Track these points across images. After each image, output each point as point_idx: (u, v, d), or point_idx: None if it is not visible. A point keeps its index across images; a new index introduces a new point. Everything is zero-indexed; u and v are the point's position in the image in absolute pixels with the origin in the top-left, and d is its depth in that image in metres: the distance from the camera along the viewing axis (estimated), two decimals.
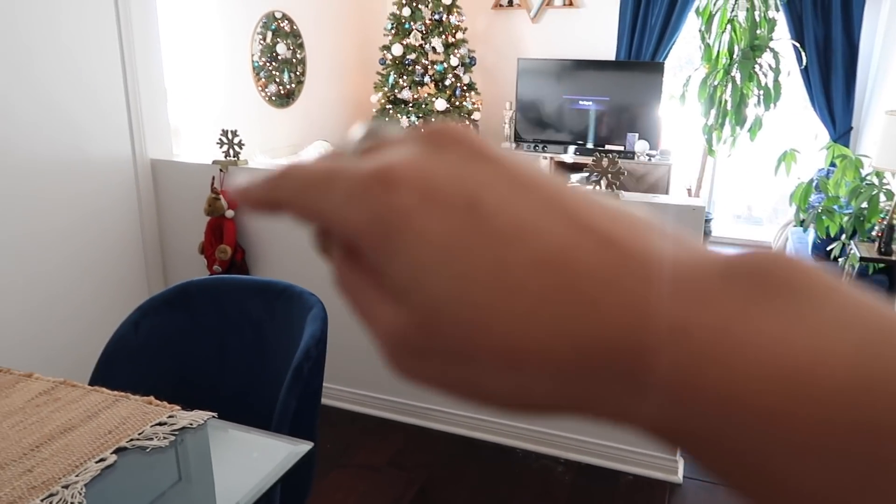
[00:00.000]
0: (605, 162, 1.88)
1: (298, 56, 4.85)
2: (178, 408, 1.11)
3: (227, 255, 2.43)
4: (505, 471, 2.25)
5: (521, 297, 0.18)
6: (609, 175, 1.88)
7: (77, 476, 0.94)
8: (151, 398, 1.13)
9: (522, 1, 5.52)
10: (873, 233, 3.02)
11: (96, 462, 0.97)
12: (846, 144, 4.95)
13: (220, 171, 2.49)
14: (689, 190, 5.36)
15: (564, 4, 5.40)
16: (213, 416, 1.09)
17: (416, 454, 2.33)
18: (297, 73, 4.87)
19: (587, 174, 1.92)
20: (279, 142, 4.69)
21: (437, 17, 5.05)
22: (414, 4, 5.08)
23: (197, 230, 2.51)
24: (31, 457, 0.98)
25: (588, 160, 5.48)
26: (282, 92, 4.73)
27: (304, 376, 1.32)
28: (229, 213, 2.47)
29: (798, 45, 4.74)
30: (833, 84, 4.85)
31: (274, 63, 4.65)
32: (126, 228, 2.52)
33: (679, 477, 2.17)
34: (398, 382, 2.39)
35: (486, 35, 5.71)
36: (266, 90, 4.57)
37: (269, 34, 4.56)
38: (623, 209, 0.20)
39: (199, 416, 1.09)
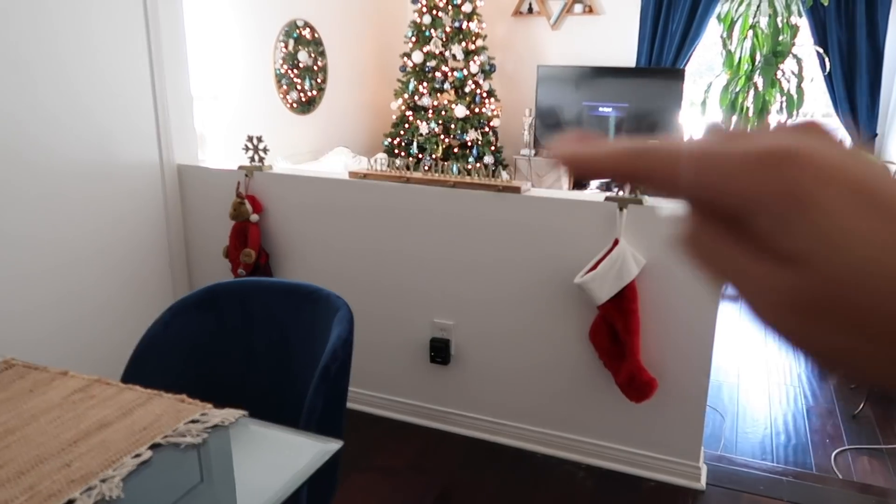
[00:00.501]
0: None
1: (320, 63, 4.91)
2: (210, 406, 1.13)
3: (252, 258, 2.47)
4: (525, 475, 2.25)
5: None
6: None
7: (114, 471, 0.96)
8: (184, 396, 1.15)
9: (542, 8, 5.54)
10: None
11: (132, 457, 0.99)
12: (871, 151, 4.90)
13: (246, 176, 2.52)
14: None
15: (584, 11, 5.42)
16: (245, 415, 1.11)
17: (437, 458, 2.34)
18: (318, 81, 4.92)
19: (609, 179, 1.93)
20: (300, 147, 4.74)
21: (457, 24, 5.08)
22: (434, 12, 5.11)
23: (222, 234, 2.55)
24: (70, 452, 1.00)
25: None
26: (303, 99, 4.78)
27: (331, 377, 1.34)
28: (254, 218, 2.50)
29: (822, 51, 4.71)
30: (857, 90, 4.81)
31: (295, 70, 4.70)
32: (152, 232, 2.57)
33: (702, 484, 2.16)
34: (419, 387, 2.41)
35: (506, 42, 5.74)
36: (288, 97, 4.62)
37: (291, 42, 4.62)
38: None
39: (230, 413, 1.11)
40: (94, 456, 0.99)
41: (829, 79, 4.84)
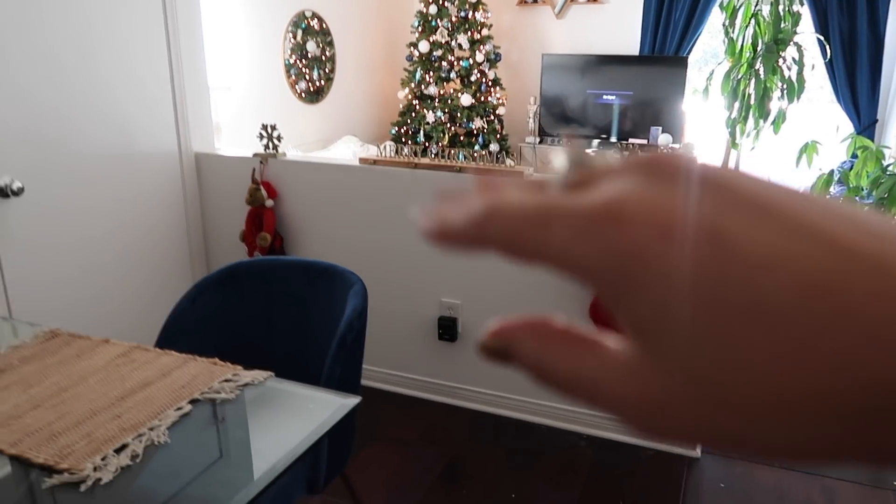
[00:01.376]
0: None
1: (328, 54, 5.01)
2: (240, 367, 1.25)
3: (268, 241, 2.59)
4: (529, 446, 2.37)
5: (792, 331, 0.16)
6: None
7: (160, 421, 1.08)
8: (216, 359, 1.27)
9: None
10: None
11: (174, 410, 1.11)
12: (871, 137, 4.98)
13: (261, 163, 2.64)
14: None
15: (588, 0, 5.49)
16: (272, 375, 1.23)
17: (447, 430, 2.46)
18: (327, 71, 5.02)
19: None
20: (309, 136, 4.85)
21: (463, 14, 5.16)
22: (440, 2, 5.20)
23: (238, 219, 2.67)
24: (118, 406, 1.12)
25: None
26: (311, 89, 4.89)
27: (347, 345, 1.46)
28: (269, 203, 2.62)
29: (823, 38, 4.77)
30: (858, 77, 4.88)
31: (304, 60, 4.80)
32: (172, 216, 2.69)
33: (697, 451, 2.27)
34: (428, 363, 2.53)
35: (511, 31, 5.82)
36: (297, 87, 4.73)
37: (300, 32, 4.72)
38: (883, 222, 0.17)
39: (259, 374, 1.23)
40: (140, 409, 1.11)
41: (829, 66, 4.90)
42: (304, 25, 4.73)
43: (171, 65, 2.56)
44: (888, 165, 3.24)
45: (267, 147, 2.65)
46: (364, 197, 2.40)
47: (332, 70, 5.06)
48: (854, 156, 3.60)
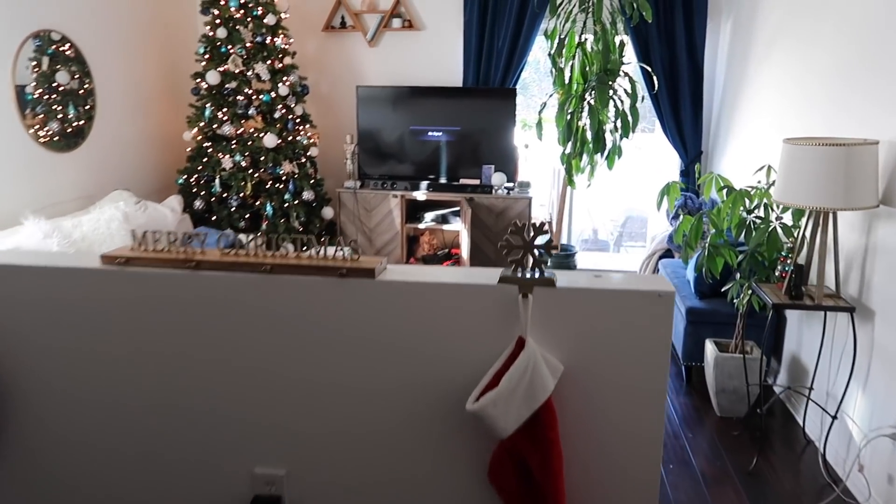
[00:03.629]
0: (528, 231, 1.31)
1: (88, 86, 3.89)
2: None
3: None
4: None
5: None
6: (534, 251, 1.32)
7: None
8: None
9: (357, 22, 4.94)
10: (776, 272, 2.74)
11: None
12: (698, 171, 4.89)
13: None
14: (549, 224, 5.04)
15: (404, 26, 4.90)
16: None
17: None
18: (87, 107, 3.90)
19: (504, 250, 1.34)
20: (63, 194, 3.70)
21: (259, 39, 4.31)
22: (231, 25, 4.30)
23: None
24: None
25: (443, 196, 5.00)
26: (68, 130, 3.75)
27: None
28: None
29: (649, 69, 4.59)
30: (682, 108, 4.76)
31: (55, 95, 3.66)
32: None
33: None
34: None
35: (319, 60, 5.06)
36: (45, 129, 3.57)
37: (46, 60, 3.58)
38: None
39: None
40: None
41: (654, 98, 4.74)
42: (50, 51, 3.60)
43: None
44: (753, 207, 2.95)
45: None
46: (116, 315, 1.47)
47: (93, 107, 3.94)
48: (700, 194, 3.34)
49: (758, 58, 3.93)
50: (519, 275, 1.33)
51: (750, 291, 2.90)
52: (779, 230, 2.80)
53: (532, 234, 1.33)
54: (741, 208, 2.93)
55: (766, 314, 2.87)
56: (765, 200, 2.93)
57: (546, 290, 1.31)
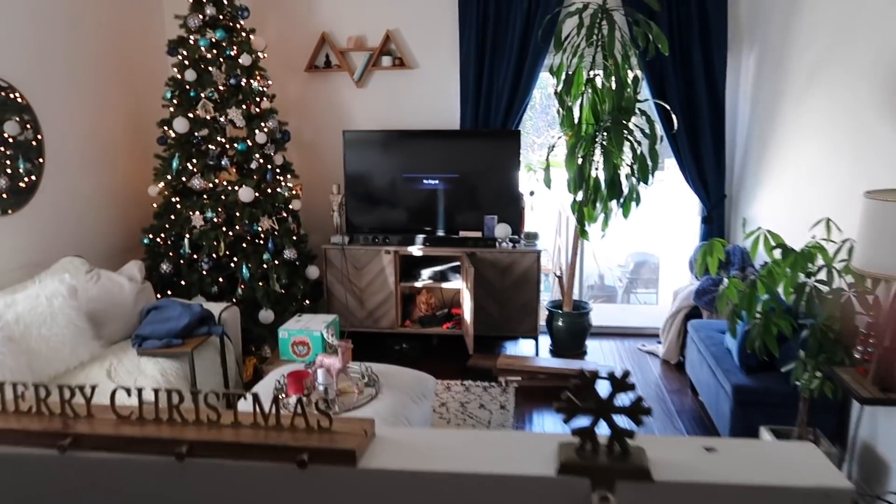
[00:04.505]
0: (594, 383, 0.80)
1: (39, 137, 3.41)
2: None
3: None
4: None
5: None
6: (613, 417, 0.81)
7: None
8: None
9: (343, 62, 4.49)
10: (856, 354, 2.24)
11: None
12: (721, 216, 4.42)
13: None
14: (559, 277, 4.54)
15: (394, 65, 4.45)
16: None
17: None
18: (38, 161, 3.41)
19: (562, 413, 0.84)
20: (6, 263, 3.18)
21: (233, 81, 3.85)
22: (201, 66, 3.84)
23: None
24: None
25: (441, 251, 4.43)
26: (22, 185, 3.27)
27: None
28: None
29: (667, 106, 4.15)
30: (702, 148, 4.31)
31: (3, 147, 3.19)
32: None
33: None
34: None
35: (301, 103, 4.60)
36: None
37: None
38: None
39: None
40: None
41: (672, 139, 4.29)
42: None
43: None
44: (816, 271, 2.46)
45: None
46: None
47: (42, 161, 3.45)
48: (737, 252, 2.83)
49: (795, 94, 3.49)
50: (589, 457, 0.82)
51: (820, 374, 2.39)
52: (854, 301, 2.30)
53: (611, 389, 0.82)
54: (799, 271, 2.44)
55: (834, 398, 2.37)
56: (832, 263, 2.44)
57: (636, 485, 0.80)
